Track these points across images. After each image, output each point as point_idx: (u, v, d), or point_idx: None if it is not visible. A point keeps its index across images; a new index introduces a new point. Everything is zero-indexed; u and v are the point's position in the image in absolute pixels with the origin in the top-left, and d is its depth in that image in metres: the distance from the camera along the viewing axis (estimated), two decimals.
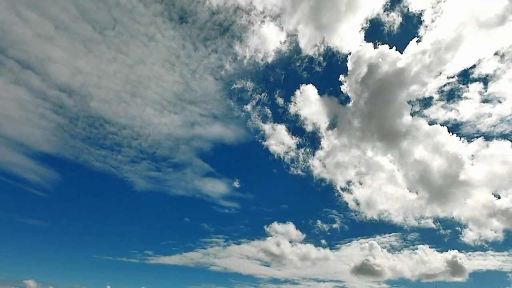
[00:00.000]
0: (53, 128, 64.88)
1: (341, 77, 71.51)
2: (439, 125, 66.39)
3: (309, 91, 75.02)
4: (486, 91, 66.36)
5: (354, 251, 67.92)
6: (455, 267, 58.50)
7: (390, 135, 64.95)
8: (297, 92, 75.65)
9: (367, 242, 67.24)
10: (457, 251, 60.11)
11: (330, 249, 68.41)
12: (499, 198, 58.26)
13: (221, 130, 78.36)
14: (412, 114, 68.52)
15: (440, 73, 68.02)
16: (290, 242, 68.03)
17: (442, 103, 71.43)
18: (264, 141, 76.45)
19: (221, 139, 78.65)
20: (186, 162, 76.62)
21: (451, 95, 70.60)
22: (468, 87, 67.95)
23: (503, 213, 57.41)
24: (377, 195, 70.52)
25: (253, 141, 78.30)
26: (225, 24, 73.03)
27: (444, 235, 65.78)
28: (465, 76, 67.85)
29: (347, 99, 74.51)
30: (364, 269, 62.66)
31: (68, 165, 68.13)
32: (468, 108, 68.54)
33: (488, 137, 64.84)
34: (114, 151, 70.22)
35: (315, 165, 75.79)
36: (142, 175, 73.07)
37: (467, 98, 68.59)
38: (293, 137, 76.81)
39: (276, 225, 69.54)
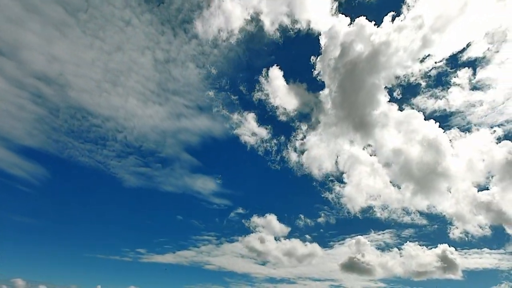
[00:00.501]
0: (34, 120, 63.03)
1: (313, 59, 67.71)
2: (422, 113, 64.65)
3: (277, 75, 71.51)
4: (475, 77, 64.17)
5: (348, 249, 66.62)
6: (449, 264, 57.18)
7: (369, 124, 62.32)
8: (264, 77, 72.40)
9: (359, 240, 65.89)
10: (452, 248, 58.73)
11: (324, 247, 67.74)
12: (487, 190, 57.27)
13: (208, 122, 76.35)
14: (394, 102, 66.39)
15: (426, 57, 65.46)
16: (277, 239, 66.88)
17: (429, 90, 69.00)
18: (234, 131, 74.38)
19: (209, 132, 76.60)
20: (173, 157, 74.96)
21: (438, 82, 68.15)
22: (457, 72, 65.46)
23: (486, 207, 56.29)
24: (359, 190, 68.93)
25: (228, 133, 76.24)
26: (203, 4, 70.02)
27: (438, 231, 65.03)
28: (454, 61, 65.19)
29: (321, 84, 72.25)
30: (357, 267, 61.57)
31: (53, 160, 66.53)
32: (457, 96, 66.21)
33: (476, 127, 63.11)
34: (99, 145, 68.45)
35: (292, 158, 73.92)
36: (130, 171, 71.51)
37: (456, 85, 66.14)
38: (264, 127, 74.50)
39: (267, 222, 68.23)
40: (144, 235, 74.49)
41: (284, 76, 71.46)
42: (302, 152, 73.44)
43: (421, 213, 66.01)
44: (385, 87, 63.53)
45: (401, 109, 66.87)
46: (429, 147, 60.54)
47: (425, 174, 61.04)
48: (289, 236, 67.22)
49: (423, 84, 69.70)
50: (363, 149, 69.38)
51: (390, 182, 66.58)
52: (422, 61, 66.33)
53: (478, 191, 58.17)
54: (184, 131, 75.41)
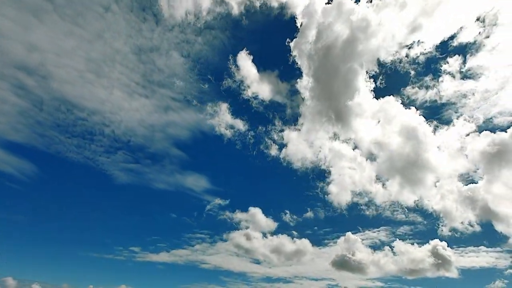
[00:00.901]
0: (17, 114, 61.74)
1: (289, 42, 64.38)
2: (410, 104, 63.16)
3: (247, 61, 68.45)
4: (465, 66, 61.55)
5: (341, 247, 64.23)
6: (444, 261, 55.04)
7: (350, 116, 59.60)
8: (234, 64, 69.70)
9: (352, 238, 63.70)
10: (445, 243, 56.46)
11: (318, 245, 66.47)
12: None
13: (197, 116, 74.50)
14: (378, 91, 64.73)
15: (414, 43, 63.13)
16: (265, 235, 65.28)
17: (419, 79, 66.37)
18: (208, 123, 72.57)
19: (198, 126, 74.78)
20: (163, 152, 73.51)
21: (428, 69, 65.27)
22: (447, 59, 62.75)
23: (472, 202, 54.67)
24: (343, 185, 66.98)
25: (206, 125, 74.54)
26: None
27: (431, 228, 62.39)
28: (444, 47, 62.39)
29: (298, 71, 69.57)
30: (351, 266, 59.86)
31: (41, 155, 65.23)
32: (448, 86, 63.59)
33: (468, 119, 60.38)
34: (86, 139, 66.95)
35: (273, 152, 71.96)
36: (120, 167, 70.06)
37: (447, 73, 63.41)
38: (240, 119, 72.46)
39: (254, 218, 66.40)
40: (137, 233, 73.18)
41: (254, 61, 69.07)
42: (282, 146, 71.58)
43: (410, 209, 64.17)
44: (368, 75, 61.24)
45: (386, 99, 64.62)
46: (413, 139, 58.82)
47: (410, 167, 59.44)
48: (277, 232, 65.87)
49: (412, 72, 67.67)
50: (345, 142, 67.53)
51: (376, 176, 65.00)
52: (410, 47, 64.34)
53: (467, 184, 57.03)
54: (172, 125, 74.03)
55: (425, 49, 62.71)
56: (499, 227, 53.45)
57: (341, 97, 58.78)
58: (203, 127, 74.77)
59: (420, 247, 58.33)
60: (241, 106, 73.22)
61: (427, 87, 66.12)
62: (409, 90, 66.94)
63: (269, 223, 66.07)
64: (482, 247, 58.37)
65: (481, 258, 58.22)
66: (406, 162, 59.45)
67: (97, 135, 67.62)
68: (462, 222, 57.34)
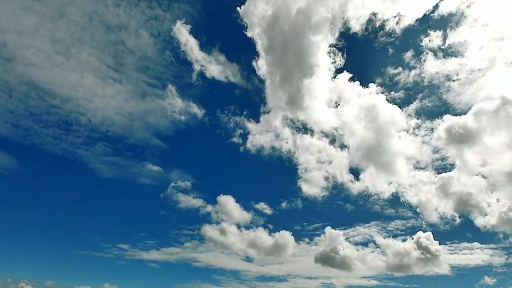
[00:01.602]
0: None
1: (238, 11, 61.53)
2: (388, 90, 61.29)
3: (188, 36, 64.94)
4: (446, 42, 59.78)
5: (330, 243, 60.85)
6: (434, 257, 53.18)
7: (308, 99, 58.37)
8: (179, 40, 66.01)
9: (337, 232, 61.37)
10: (434, 239, 54.47)
11: (309, 243, 63.83)
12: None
13: (175, 102, 71.09)
14: (348, 71, 61.47)
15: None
16: (243, 229, 63.12)
17: (397, 57, 64.51)
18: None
19: (179, 113, 71.43)
20: (143, 143, 70.83)
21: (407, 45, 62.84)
22: (428, 31, 60.71)
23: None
24: (314, 176, 65.13)
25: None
26: None
27: (418, 223, 60.77)
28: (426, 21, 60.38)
29: (251, 47, 65.14)
30: (341, 264, 57.59)
31: (18, 148, 63.23)
32: (431, 65, 61.71)
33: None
34: (62, 129, 64.51)
35: (238, 141, 69.76)
36: (101, 160, 67.70)
37: (428, 49, 60.96)
38: (195, 104, 69.94)
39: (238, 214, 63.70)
40: (123, 229, 70.91)
41: (194, 34, 65.52)
42: (246, 135, 69.09)
43: (388, 201, 62.84)
44: (332, 47, 57.94)
45: (362, 85, 62.25)
46: (385, 128, 57.67)
47: (382, 157, 57.84)
48: (274, 231, 63.31)
49: (391, 51, 65.09)
50: (311, 130, 65.22)
51: (349, 167, 63.17)
52: (384, 21, 61.72)
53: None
54: (151, 112, 70.68)
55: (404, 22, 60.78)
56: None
57: (300, 77, 56.54)
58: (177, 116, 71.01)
59: (406, 241, 56.74)
60: (190, 88, 70.41)
61: (408, 67, 62.97)
62: (385, 72, 64.01)
63: (249, 217, 64.24)
64: (475, 243, 56.75)
65: (472, 255, 56.46)
66: (376, 151, 58.07)
67: (73, 124, 65.20)
68: (443, 214, 55.83)
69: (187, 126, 72.46)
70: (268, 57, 60.55)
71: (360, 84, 62.43)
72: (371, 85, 62.82)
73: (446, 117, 57.58)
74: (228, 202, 63.34)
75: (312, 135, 65.84)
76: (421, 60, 62.73)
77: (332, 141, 64.83)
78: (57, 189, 69.66)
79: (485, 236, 55.57)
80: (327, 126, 63.72)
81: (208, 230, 62.97)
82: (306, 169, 65.71)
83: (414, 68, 63.81)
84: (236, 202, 63.33)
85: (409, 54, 63.45)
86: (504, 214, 50.64)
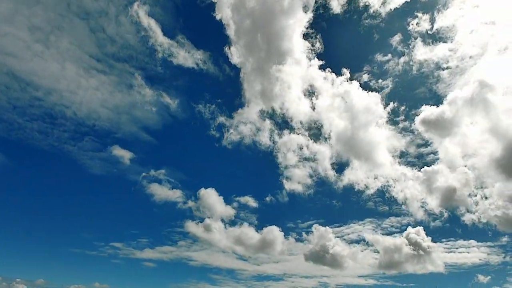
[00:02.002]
0: None
1: None
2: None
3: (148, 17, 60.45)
4: (433, 27, 56.83)
5: (316, 241, 59.63)
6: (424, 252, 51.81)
7: (280, 89, 55.85)
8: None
9: (342, 231, 61.42)
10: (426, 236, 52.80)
11: (302, 241, 61.97)
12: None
13: (145, 92, 67.78)
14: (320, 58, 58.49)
15: None
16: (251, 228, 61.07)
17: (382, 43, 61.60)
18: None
19: (166, 107, 69.22)
20: (131, 138, 68.16)
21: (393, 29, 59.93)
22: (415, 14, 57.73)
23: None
24: (300, 169, 62.71)
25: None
26: None
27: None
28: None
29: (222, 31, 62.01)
30: (339, 262, 56.43)
31: (4, 143, 61.04)
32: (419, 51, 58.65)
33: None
34: (47, 123, 62.68)
35: (216, 134, 66.61)
36: (90, 156, 65.57)
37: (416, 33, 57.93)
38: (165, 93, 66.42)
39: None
40: (115, 227, 68.58)
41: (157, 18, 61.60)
42: (224, 127, 66.47)
43: (375, 195, 60.84)
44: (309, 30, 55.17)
45: (342, 73, 59.44)
46: (367, 118, 55.76)
47: (366, 151, 56.09)
48: (260, 227, 61.53)
49: (376, 37, 62.42)
50: (288, 122, 62.88)
51: (331, 161, 60.84)
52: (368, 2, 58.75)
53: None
54: (138, 105, 67.99)
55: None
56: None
57: (275, 65, 54.06)
58: (172, 108, 69.60)
59: (399, 238, 55.00)
60: (156, 76, 67.14)
61: (398, 54, 60.88)
62: (378, 58, 61.48)
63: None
64: (472, 241, 55.58)
65: (469, 253, 55.25)
66: (356, 143, 56.11)
67: (59, 118, 63.14)
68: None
69: (161, 118, 70.44)
70: (240, 42, 58.26)
71: (340, 72, 60.02)
72: (353, 73, 60.79)
73: (424, 107, 55.53)
74: (210, 196, 61.66)
75: (291, 127, 63.72)
76: (410, 46, 60.04)
77: (313, 134, 62.82)
78: (46, 186, 68.23)
79: (481, 234, 54.52)
80: (306, 118, 61.71)
81: (191, 226, 61.60)
82: (287, 163, 63.78)
83: (403, 55, 61.09)
84: (219, 195, 61.94)
85: (396, 38, 60.76)
86: (491, 211, 49.55)
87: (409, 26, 58.62)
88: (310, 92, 60.68)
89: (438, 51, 57.61)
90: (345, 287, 59.41)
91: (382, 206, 61.53)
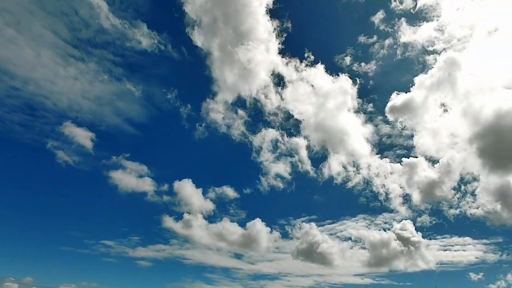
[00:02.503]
0: None
1: None
2: None
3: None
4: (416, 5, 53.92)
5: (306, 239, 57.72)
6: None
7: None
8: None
9: (335, 228, 59.89)
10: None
11: (291, 239, 60.45)
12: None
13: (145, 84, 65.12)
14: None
15: None
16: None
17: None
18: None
19: (149, 98, 65.89)
20: (116, 131, 64.90)
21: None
22: None
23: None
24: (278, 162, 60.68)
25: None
26: None
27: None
28: None
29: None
30: (331, 260, 54.95)
31: None
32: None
33: None
34: (28, 115, 59.02)
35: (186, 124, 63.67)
36: (75, 151, 60.46)
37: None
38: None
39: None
40: (105, 225, 64.85)
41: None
42: (194, 116, 63.43)
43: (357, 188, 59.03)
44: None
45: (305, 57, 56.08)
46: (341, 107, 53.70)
47: (344, 143, 53.79)
48: (243, 223, 59.73)
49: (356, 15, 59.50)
50: (260, 112, 60.36)
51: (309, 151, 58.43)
52: None
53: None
54: (121, 96, 64.66)
55: None
56: None
57: (240, 50, 50.96)
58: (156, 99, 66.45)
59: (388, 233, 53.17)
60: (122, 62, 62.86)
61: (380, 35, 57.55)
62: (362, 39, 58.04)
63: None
64: (467, 238, 54.32)
65: (465, 251, 54.08)
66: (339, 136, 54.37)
67: (39, 109, 59.75)
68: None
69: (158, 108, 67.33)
70: (202, 24, 55.58)
71: (313, 55, 57.00)
72: (331, 56, 59.18)
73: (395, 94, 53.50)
74: (186, 188, 59.07)
75: (262, 117, 61.47)
76: (394, 26, 57.08)
77: (286, 125, 60.68)
78: (32, 182, 64.13)
79: (477, 231, 53.38)
80: (277, 107, 59.49)
81: (170, 222, 58.96)
82: (264, 156, 61.56)
83: (388, 37, 57.80)
84: (196, 188, 59.59)
85: (379, 16, 57.39)
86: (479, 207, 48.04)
87: (391, 3, 55.70)
88: (279, 79, 58.16)
89: (423, 33, 54.79)
90: (342, 286, 58.03)
91: (373, 202, 59.50)
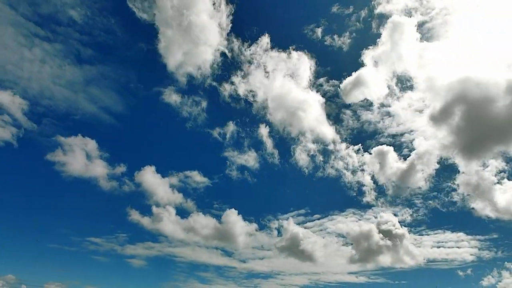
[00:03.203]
0: None
1: None
2: None
3: None
4: None
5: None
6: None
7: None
8: None
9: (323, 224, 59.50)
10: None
11: (278, 235, 59.50)
12: None
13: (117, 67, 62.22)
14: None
15: None
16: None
17: None
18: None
19: (126, 83, 63.72)
20: (93, 121, 61.59)
21: None
22: None
23: None
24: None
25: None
26: None
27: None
28: None
29: None
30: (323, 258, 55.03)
31: None
32: None
33: None
34: None
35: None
36: (53, 143, 57.62)
37: None
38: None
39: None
40: (90, 222, 63.47)
41: None
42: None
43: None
44: None
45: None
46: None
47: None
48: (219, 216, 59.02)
49: None
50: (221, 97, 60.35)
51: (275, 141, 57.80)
52: None
53: None
54: (94, 81, 61.57)
55: None
56: None
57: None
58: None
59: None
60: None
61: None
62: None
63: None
64: (461, 234, 54.13)
65: (460, 248, 53.81)
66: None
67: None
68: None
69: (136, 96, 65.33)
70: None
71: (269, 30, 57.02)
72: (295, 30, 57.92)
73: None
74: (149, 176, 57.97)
75: (219, 98, 61.24)
76: None
77: (252, 113, 59.75)
78: (12, 178, 61.32)
79: (472, 227, 53.64)
80: (235, 88, 59.16)
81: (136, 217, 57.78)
82: (230, 143, 61.39)
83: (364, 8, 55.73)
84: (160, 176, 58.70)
85: None
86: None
87: None
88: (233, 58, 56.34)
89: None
90: (336, 284, 57.69)
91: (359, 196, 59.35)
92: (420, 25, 51.20)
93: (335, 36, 56.47)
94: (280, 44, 57.98)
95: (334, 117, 58.39)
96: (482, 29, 48.45)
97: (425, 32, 51.17)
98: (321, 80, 57.21)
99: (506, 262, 49.55)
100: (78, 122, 60.35)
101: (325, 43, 56.99)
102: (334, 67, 59.53)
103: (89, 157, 57.29)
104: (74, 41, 58.07)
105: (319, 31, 56.66)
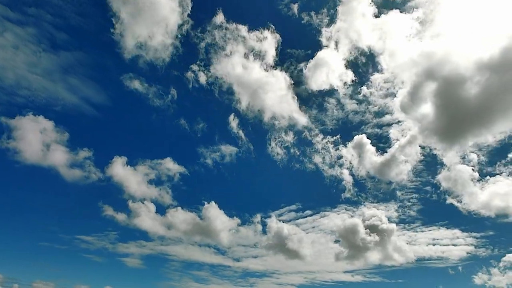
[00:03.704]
0: None
1: None
2: None
3: None
4: None
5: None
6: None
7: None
8: None
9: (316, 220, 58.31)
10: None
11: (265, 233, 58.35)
12: None
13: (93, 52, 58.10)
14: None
15: None
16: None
17: None
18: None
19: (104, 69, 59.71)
20: (75, 112, 57.71)
21: None
22: None
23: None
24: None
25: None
26: None
27: None
28: None
29: None
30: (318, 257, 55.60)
31: None
32: None
33: None
34: None
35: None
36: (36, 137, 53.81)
37: None
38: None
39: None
40: (78, 219, 60.78)
41: None
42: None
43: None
44: None
45: None
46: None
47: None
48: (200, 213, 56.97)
49: None
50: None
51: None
52: None
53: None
54: (71, 69, 56.68)
55: None
56: None
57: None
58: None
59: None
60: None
61: None
62: None
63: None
64: (457, 231, 53.31)
65: (455, 246, 53.10)
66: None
67: None
68: None
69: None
70: None
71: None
72: None
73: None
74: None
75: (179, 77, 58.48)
76: None
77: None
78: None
79: (468, 224, 52.60)
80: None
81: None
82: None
83: None
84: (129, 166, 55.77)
85: None
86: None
87: None
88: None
89: None
90: (332, 283, 57.02)
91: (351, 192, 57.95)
92: None
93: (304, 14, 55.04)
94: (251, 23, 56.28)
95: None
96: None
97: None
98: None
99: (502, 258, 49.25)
100: (57, 114, 56.27)
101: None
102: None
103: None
104: (46, 25, 53.11)
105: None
